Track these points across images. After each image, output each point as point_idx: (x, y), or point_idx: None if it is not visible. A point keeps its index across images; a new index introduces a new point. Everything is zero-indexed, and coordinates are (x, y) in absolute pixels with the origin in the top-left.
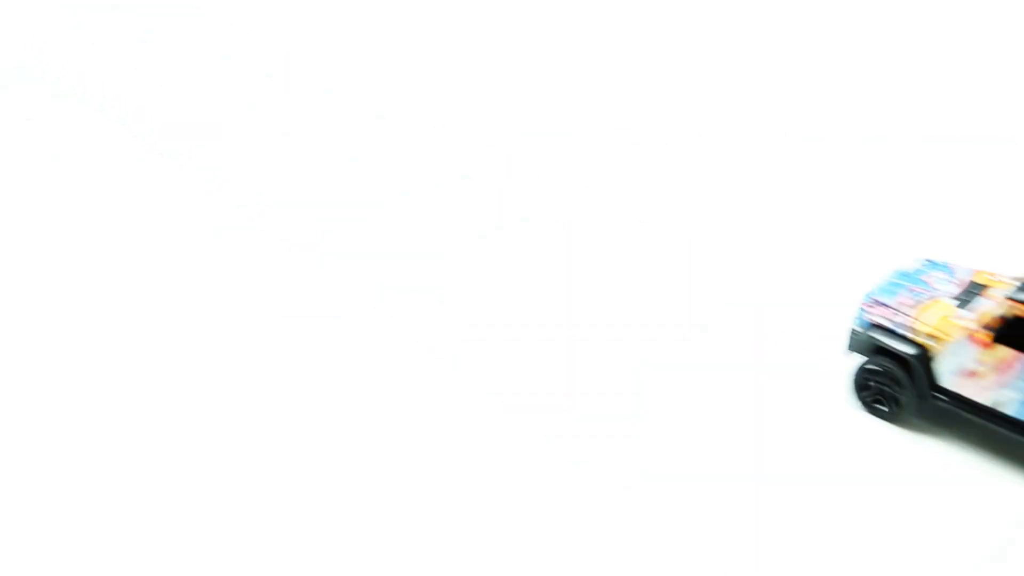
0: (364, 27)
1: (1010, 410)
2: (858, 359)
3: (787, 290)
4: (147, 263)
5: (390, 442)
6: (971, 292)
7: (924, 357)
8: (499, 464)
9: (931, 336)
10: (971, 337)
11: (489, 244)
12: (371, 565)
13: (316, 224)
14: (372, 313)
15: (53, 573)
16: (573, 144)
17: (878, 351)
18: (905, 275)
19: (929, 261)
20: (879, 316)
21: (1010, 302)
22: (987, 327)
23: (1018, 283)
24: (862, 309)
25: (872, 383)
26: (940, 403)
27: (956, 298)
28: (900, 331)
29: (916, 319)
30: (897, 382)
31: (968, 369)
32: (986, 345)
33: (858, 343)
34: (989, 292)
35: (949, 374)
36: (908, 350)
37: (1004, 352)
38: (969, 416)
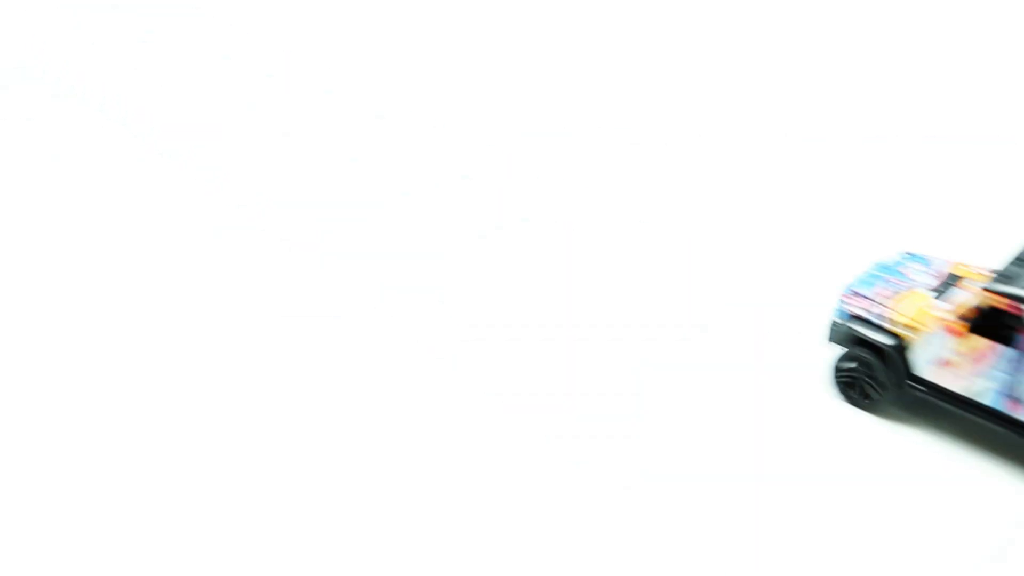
0: (364, 27)
1: (985, 399)
2: (839, 350)
3: (787, 290)
4: (147, 263)
5: (390, 442)
6: (948, 283)
7: (901, 347)
8: (499, 464)
9: (908, 326)
10: (947, 327)
11: (489, 244)
12: (372, 565)
13: (316, 224)
14: (372, 313)
15: (53, 573)
16: (573, 144)
17: (857, 342)
18: (884, 267)
19: (908, 253)
20: (858, 307)
21: (985, 293)
22: (963, 318)
23: (994, 275)
24: (842, 300)
25: (850, 373)
26: (917, 392)
27: (933, 289)
28: (878, 321)
29: (893, 310)
30: (874, 371)
31: (944, 359)
32: (962, 335)
33: (838, 334)
34: (965, 283)
35: (925, 363)
36: (885, 340)
37: (979, 342)
38: (945, 405)
